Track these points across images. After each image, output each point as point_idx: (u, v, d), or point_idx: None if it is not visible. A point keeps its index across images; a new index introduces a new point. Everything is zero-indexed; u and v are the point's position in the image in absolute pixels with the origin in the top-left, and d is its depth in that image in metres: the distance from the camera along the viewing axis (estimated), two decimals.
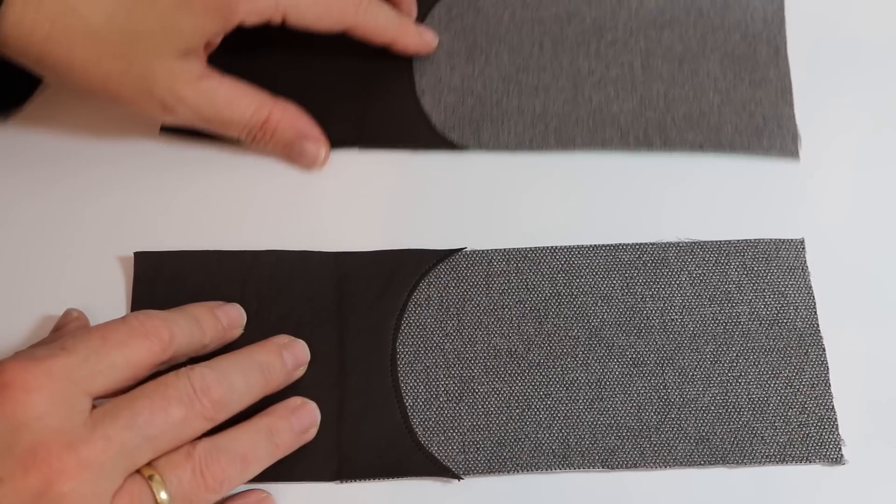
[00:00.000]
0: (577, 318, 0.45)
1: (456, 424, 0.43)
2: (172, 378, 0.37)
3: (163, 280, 0.45)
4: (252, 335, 0.44)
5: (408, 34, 0.49)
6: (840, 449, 0.42)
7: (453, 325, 0.44)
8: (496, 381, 0.43)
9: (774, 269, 0.45)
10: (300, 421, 0.41)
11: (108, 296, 0.46)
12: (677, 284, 0.45)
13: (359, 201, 0.48)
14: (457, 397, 0.43)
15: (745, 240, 0.46)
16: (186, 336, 0.39)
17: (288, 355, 0.42)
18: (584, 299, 0.45)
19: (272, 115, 0.46)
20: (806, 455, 0.42)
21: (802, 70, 0.50)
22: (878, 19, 0.52)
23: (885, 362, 0.44)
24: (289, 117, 0.47)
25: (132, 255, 0.46)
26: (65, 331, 0.42)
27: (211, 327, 0.41)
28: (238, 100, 0.46)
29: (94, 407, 0.35)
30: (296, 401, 0.41)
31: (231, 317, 0.43)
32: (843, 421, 0.43)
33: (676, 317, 0.45)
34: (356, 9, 0.46)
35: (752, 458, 0.42)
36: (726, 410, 0.43)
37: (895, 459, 0.42)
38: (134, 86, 0.44)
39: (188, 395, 0.37)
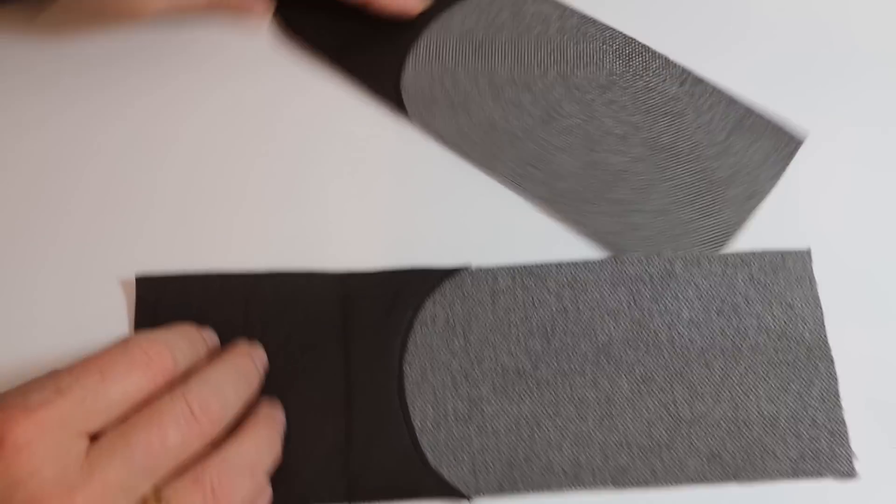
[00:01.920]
0: (584, 334, 0.44)
1: (465, 445, 0.42)
2: (168, 402, 0.36)
3: (165, 304, 0.45)
4: None
5: None
6: (852, 462, 0.42)
7: (460, 343, 0.44)
8: (505, 401, 0.43)
9: (781, 281, 0.45)
10: (282, 422, 0.41)
11: (111, 319, 0.45)
12: (684, 298, 0.45)
13: (361, 217, 0.47)
14: (465, 418, 0.43)
15: (752, 251, 0.46)
16: (187, 359, 0.39)
17: (256, 359, 0.42)
18: (591, 315, 0.44)
19: None
20: (818, 470, 0.42)
21: (806, 72, 0.50)
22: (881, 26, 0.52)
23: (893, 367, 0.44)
24: None
25: (134, 277, 0.45)
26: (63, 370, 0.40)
27: (204, 348, 0.41)
28: None
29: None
30: (265, 403, 0.41)
31: (213, 341, 0.43)
32: (854, 432, 0.43)
33: (684, 331, 0.44)
34: None
35: (764, 474, 0.42)
36: (737, 426, 0.43)
37: None
38: None
39: (185, 418, 0.36)
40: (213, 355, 0.42)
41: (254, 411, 0.40)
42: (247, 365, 0.40)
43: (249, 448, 0.38)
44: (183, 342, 0.39)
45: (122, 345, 0.37)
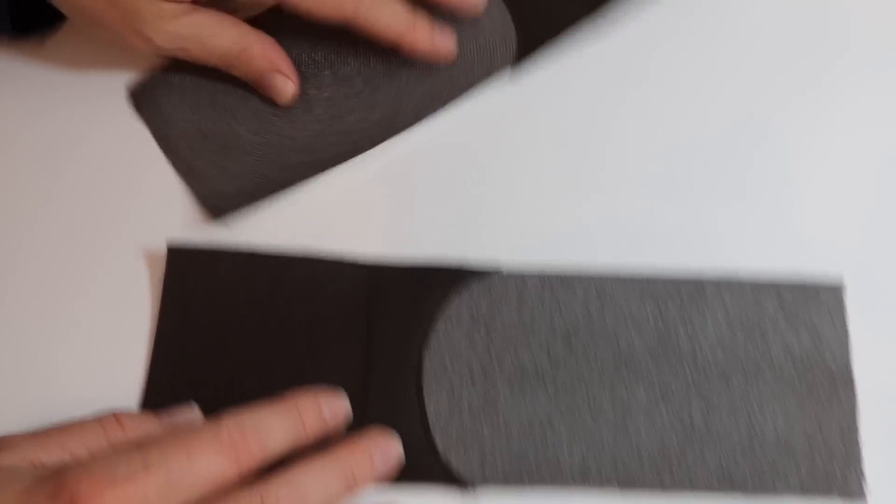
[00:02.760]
0: (606, 342, 0.44)
1: (476, 438, 0.42)
2: (244, 499, 0.36)
3: (194, 275, 0.46)
4: (279, 340, 0.44)
5: (416, 34, 0.47)
6: (862, 486, 0.41)
7: (482, 339, 0.44)
8: (520, 399, 0.43)
9: (813, 311, 0.45)
10: None
11: (134, 290, 0.46)
12: (712, 318, 0.45)
13: (395, 207, 0.48)
14: (479, 412, 0.43)
15: (786, 280, 0.45)
16: (280, 441, 0.38)
17: (377, 455, 0.41)
18: (616, 325, 0.44)
19: (250, 45, 0.47)
20: (827, 490, 0.41)
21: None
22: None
23: None
24: (265, 49, 0.48)
25: (161, 248, 0.46)
26: (155, 437, 0.38)
27: (312, 423, 0.40)
28: (221, 31, 0.47)
29: None
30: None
31: (335, 411, 0.41)
32: (872, 464, 0.42)
33: (708, 349, 0.44)
34: (356, 2, 0.46)
35: (773, 491, 0.41)
36: (750, 444, 0.42)
37: None
38: (120, 19, 0.45)
39: None
40: (336, 423, 0.41)
41: None
42: (357, 463, 0.40)
43: None
44: (279, 429, 0.38)
45: (213, 425, 0.37)
